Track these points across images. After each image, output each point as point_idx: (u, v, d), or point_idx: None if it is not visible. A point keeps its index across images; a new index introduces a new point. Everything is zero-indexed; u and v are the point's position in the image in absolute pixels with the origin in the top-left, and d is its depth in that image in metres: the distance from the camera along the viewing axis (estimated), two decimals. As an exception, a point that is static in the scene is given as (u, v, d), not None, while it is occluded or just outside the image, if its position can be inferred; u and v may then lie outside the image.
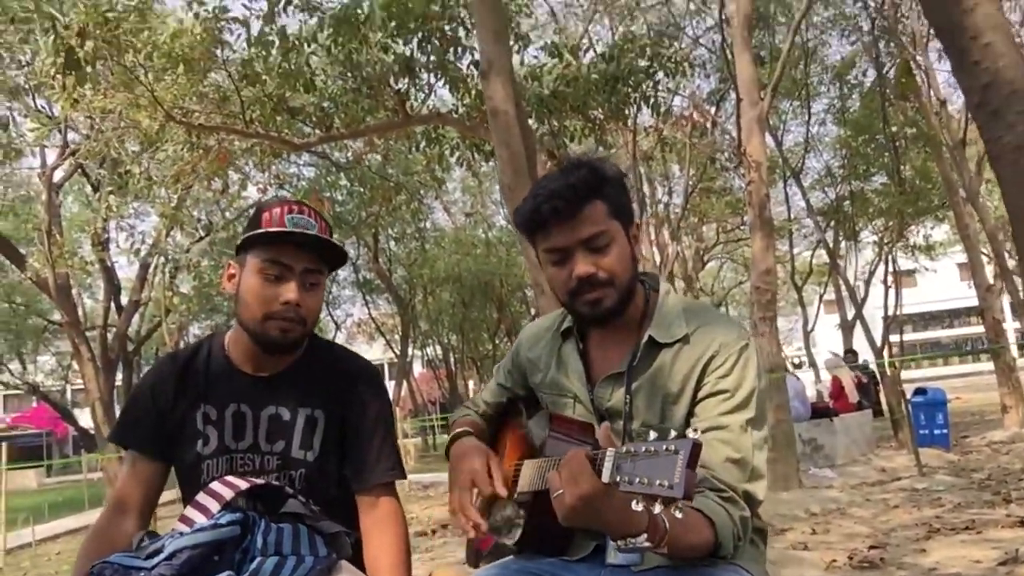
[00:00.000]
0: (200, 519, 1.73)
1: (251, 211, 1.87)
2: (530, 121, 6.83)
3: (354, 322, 30.60)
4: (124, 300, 17.90)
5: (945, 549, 5.10)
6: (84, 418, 26.44)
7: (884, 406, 13.83)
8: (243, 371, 1.91)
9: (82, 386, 20.23)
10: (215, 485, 1.80)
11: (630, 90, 7.20)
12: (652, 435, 1.24)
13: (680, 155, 15.81)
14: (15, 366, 29.44)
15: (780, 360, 9.13)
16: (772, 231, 9.36)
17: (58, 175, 15.12)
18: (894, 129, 14.97)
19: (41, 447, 31.26)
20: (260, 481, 1.81)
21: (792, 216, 19.78)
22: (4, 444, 12.12)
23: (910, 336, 48.92)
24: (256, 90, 7.50)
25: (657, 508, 1.19)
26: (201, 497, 1.79)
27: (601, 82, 6.87)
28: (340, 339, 31.92)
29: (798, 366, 29.97)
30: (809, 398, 11.72)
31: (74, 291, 16.53)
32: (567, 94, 6.19)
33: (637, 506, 1.21)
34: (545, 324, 1.95)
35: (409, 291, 24.15)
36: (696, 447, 1.17)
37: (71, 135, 13.64)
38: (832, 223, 18.63)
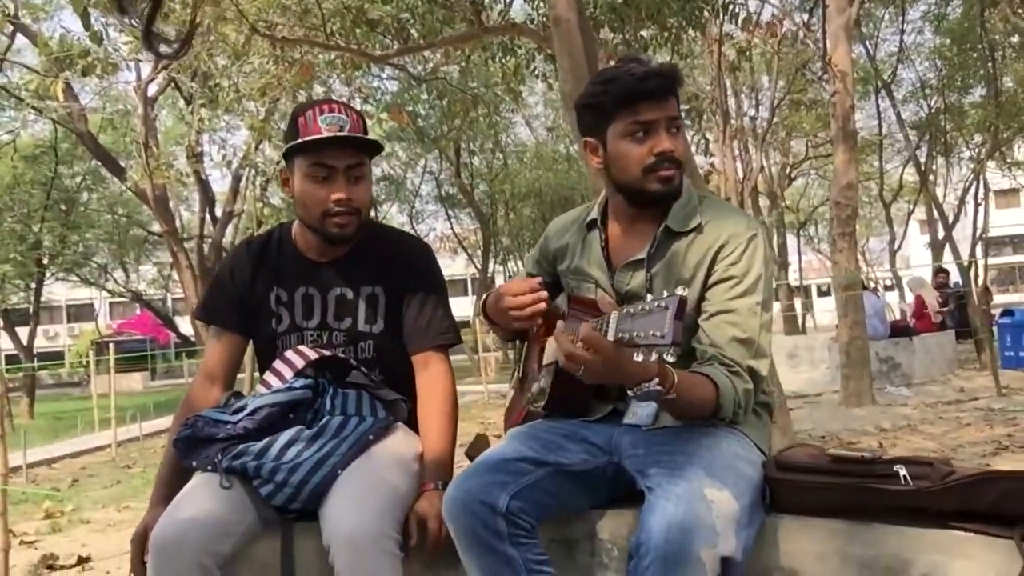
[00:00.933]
0: (276, 383, 2.01)
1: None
2: (604, 31, 6.78)
3: (437, 236, 30.99)
4: (219, 212, 18.53)
5: (1010, 465, 5.09)
6: (184, 325, 27.85)
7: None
8: (309, 258, 2.13)
9: (181, 294, 21.23)
10: (289, 354, 2.06)
11: (707, -4, 7.01)
12: (648, 298, 1.40)
13: (768, 65, 15.32)
14: (119, 275, 30.95)
15: (857, 277, 8.98)
16: (855, 144, 9.10)
17: (152, 89, 15.56)
18: (995, 37, 14.15)
19: (145, 352, 32.98)
20: (327, 352, 2.05)
21: (884, 131, 18.96)
22: (112, 347, 13.00)
23: (1010, 258, 46.81)
24: (336, 2, 7.60)
25: (653, 356, 1.36)
26: (277, 364, 2.06)
27: (674, -13, 6.72)
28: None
29: (889, 287, 29.14)
30: (889, 317, 11.51)
31: (171, 203, 17.18)
32: (639, 1, 6.10)
33: (638, 357, 1.38)
34: (572, 216, 2.13)
35: (491, 206, 24.24)
36: (682, 301, 1.33)
37: (163, 49, 14.01)
38: (925, 138, 17.86)
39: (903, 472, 1.56)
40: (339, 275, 2.11)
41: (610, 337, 1.45)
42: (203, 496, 1.86)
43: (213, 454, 1.89)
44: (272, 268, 2.14)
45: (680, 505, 1.49)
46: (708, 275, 1.80)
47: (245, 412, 1.94)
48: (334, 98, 2.16)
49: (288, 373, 2.01)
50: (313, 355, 2.02)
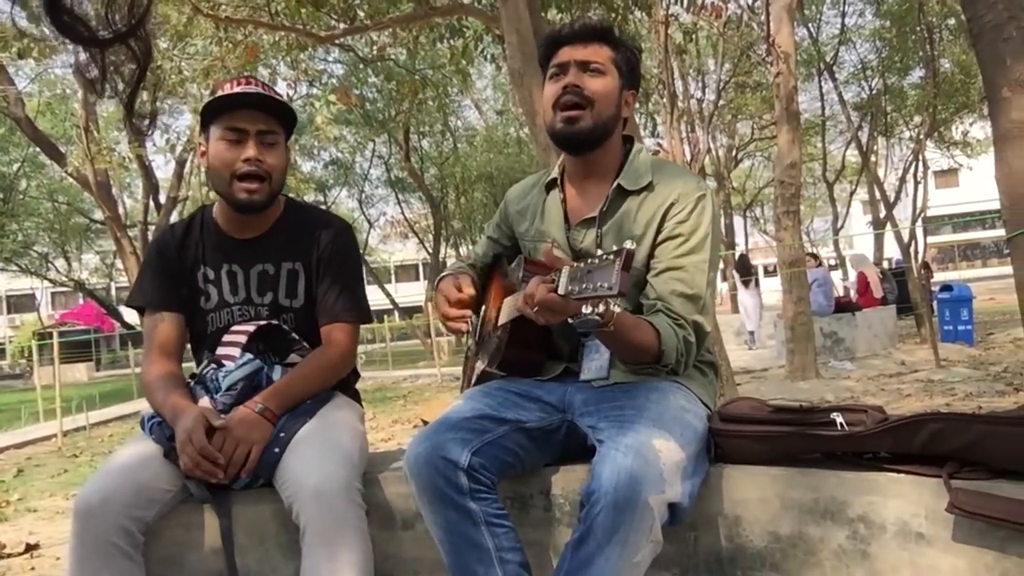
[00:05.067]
0: (229, 364, 2.05)
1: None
2: (551, 11, 6.82)
3: (388, 221, 30.82)
4: (163, 198, 18.22)
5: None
6: (129, 314, 27.33)
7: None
8: (231, 236, 2.17)
9: (126, 282, 20.85)
10: (227, 337, 2.10)
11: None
12: (599, 252, 1.46)
13: (714, 47, 15.47)
14: (61, 264, 30.27)
15: (801, 255, 9.18)
16: (799, 124, 9.28)
17: (93, 72, 15.20)
18: (932, 20, 14.49)
19: (89, 342, 32.31)
20: (263, 322, 2.10)
21: (827, 112, 19.31)
22: (55, 337, 12.72)
23: (950, 237, 48.09)
24: (281, -18, 7.52)
25: (601, 308, 1.43)
26: (221, 349, 2.10)
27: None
28: (374, 238, 32.29)
29: (833, 267, 29.74)
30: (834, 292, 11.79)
31: (114, 189, 16.85)
32: (586, -19, 6.17)
33: (586, 309, 1.44)
34: (531, 181, 2.20)
35: (441, 190, 24.20)
36: (629, 253, 1.39)
37: (104, 32, 13.69)
38: (867, 118, 18.23)
39: (840, 419, 1.63)
40: (261, 251, 2.16)
41: (560, 291, 1.50)
42: (135, 461, 1.89)
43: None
44: (196, 248, 2.18)
45: (629, 455, 1.55)
46: (658, 232, 1.87)
47: (224, 388, 2.00)
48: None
49: (235, 351, 2.05)
50: (251, 327, 2.07)
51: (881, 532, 1.60)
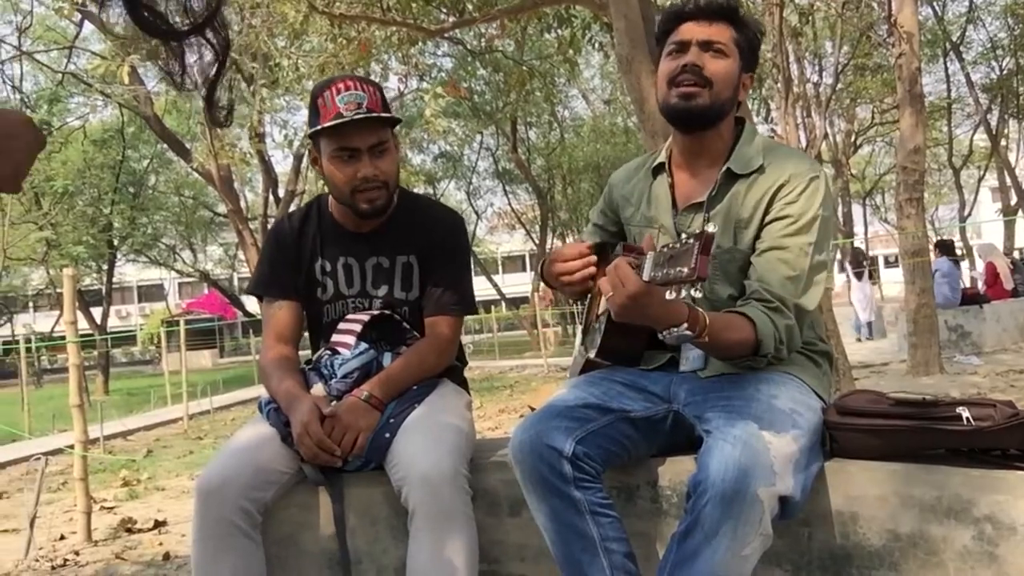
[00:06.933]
0: (344, 352, 2.11)
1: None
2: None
3: (495, 212, 31.06)
4: (281, 192, 18.84)
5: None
6: (250, 303, 28.46)
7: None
8: (347, 229, 2.22)
9: (248, 273, 21.71)
10: (343, 325, 2.16)
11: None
12: (681, 236, 1.42)
13: (832, 29, 14.92)
14: (187, 255, 31.79)
15: (925, 245, 8.77)
16: (923, 107, 8.84)
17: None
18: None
19: (213, 330, 33.81)
20: (377, 312, 2.15)
21: (953, 95, 18.33)
22: (182, 325, 13.39)
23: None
24: (392, -23, 7.66)
25: (683, 293, 1.39)
26: (336, 336, 2.15)
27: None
28: (482, 229, 32.59)
29: (961, 258, 28.28)
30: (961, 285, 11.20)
31: (236, 184, 17.53)
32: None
33: (670, 295, 1.40)
34: (635, 164, 2.15)
35: (548, 181, 24.21)
36: (709, 236, 1.35)
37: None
38: (997, 100, 17.21)
39: (966, 413, 1.55)
40: (376, 245, 2.20)
41: (645, 276, 1.47)
42: (253, 444, 1.97)
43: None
44: (314, 239, 2.23)
45: (738, 446, 1.51)
46: (765, 213, 1.81)
47: (339, 374, 2.06)
48: (351, 75, 2.20)
49: (351, 339, 2.11)
50: (366, 317, 2.13)
51: (1011, 533, 1.51)
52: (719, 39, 1.83)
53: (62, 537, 4.59)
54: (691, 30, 1.84)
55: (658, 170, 2.02)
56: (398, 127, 2.23)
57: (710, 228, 1.36)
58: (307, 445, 1.89)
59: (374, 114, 2.04)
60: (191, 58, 1.07)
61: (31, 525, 4.20)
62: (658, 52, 1.94)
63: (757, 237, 1.81)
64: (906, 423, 1.62)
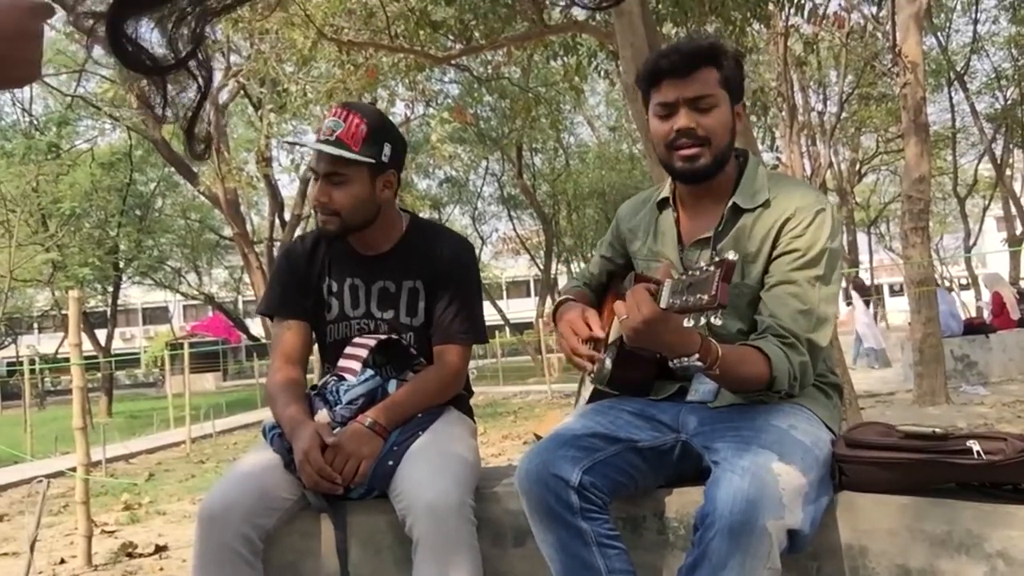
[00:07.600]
0: (350, 378, 2.10)
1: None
2: (667, 25, 6.74)
3: (500, 238, 31.09)
4: (287, 215, 18.89)
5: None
6: (255, 326, 28.48)
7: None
8: (357, 251, 2.23)
9: (252, 297, 21.73)
10: (349, 350, 2.15)
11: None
12: (701, 264, 1.42)
13: (836, 58, 15.01)
14: (192, 278, 31.81)
15: (931, 274, 8.76)
16: (928, 136, 8.88)
17: (223, 96, 15.98)
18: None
19: (217, 353, 33.75)
20: (383, 336, 2.15)
21: (957, 124, 18.37)
22: (186, 348, 13.37)
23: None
24: (400, 5, 7.71)
25: (702, 320, 1.38)
26: (343, 362, 2.15)
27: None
28: (486, 254, 32.64)
29: (965, 286, 28.21)
30: (963, 315, 11.18)
31: (242, 207, 17.59)
32: (704, -6, 6.07)
33: (688, 323, 1.40)
34: (642, 197, 2.14)
35: (553, 207, 24.23)
36: (730, 264, 1.35)
37: (233, 57, 14.40)
38: (1001, 130, 17.24)
39: (976, 447, 1.53)
40: (384, 268, 2.21)
41: (662, 304, 1.46)
42: (257, 470, 1.96)
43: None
44: (323, 260, 2.25)
45: (746, 477, 1.50)
46: (773, 247, 1.80)
47: (344, 401, 2.06)
48: (357, 103, 2.25)
49: (357, 366, 2.10)
50: (372, 341, 2.13)
51: (1023, 569, 1.49)
52: (705, 92, 1.78)
53: (62, 561, 4.56)
54: (675, 88, 1.79)
55: (663, 204, 2.01)
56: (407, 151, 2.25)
57: (730, 256, 1.36)
58: (308, 473, 1.88)
59: (327, 147, 2.06)
60: (173, 91, 1.07)
61: (31, 548, 4.17)
62: (644, 99, 1.91)
63: (765, 271, 1.80)
64: (916, 456, 1.61)
